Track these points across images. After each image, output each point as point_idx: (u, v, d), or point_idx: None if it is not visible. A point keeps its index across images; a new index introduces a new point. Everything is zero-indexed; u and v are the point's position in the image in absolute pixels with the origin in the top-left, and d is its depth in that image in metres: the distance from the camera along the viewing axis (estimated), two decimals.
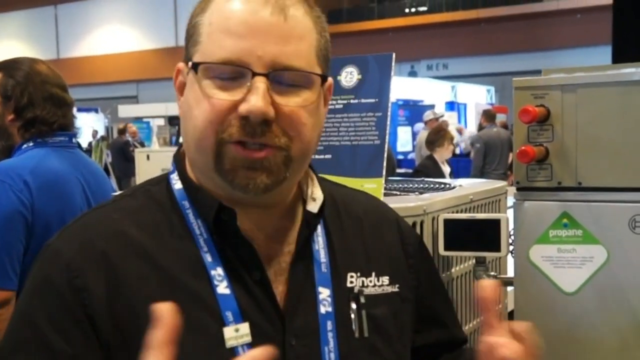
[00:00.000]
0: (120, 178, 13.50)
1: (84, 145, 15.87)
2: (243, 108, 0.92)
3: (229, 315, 0.93)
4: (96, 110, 22.36)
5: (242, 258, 0.97)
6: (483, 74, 21.63)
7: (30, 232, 2.03)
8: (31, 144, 2.17)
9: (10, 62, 2.23)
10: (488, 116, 9.82)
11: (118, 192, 1.11)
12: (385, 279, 1.08)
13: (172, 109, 21.82)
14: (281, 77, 0.94)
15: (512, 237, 1.80)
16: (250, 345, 0.92)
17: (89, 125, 19.20)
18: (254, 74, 0.92)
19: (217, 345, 0.92)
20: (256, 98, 0.91)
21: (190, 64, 0.97)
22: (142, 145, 15.87)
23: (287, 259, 1.02)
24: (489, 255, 1.89)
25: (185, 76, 1.00)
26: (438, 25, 22.48)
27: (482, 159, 9.15)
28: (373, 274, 1.08)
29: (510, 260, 1.95)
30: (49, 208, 2.07)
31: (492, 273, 1.97)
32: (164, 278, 0.94)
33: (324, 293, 1.01)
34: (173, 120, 20.75)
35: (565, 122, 1.67)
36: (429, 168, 6.55)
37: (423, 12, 24.03)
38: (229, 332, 0.93)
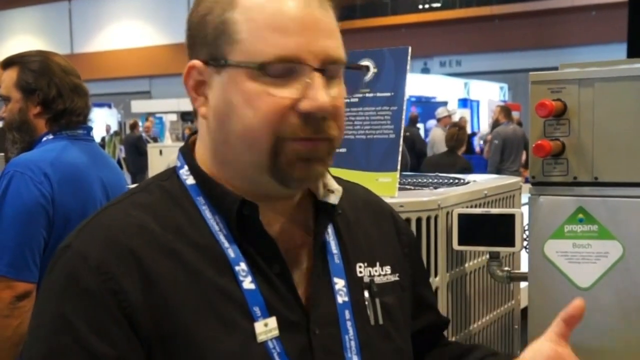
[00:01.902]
0: (135, 173, 13.53)
1: (97, 140, 15.92)
2: (306, 105, 0.92)
3: (256, 310, 0.94)
4: (109, 106, 22.46)
5: (262, 251, 0.97)
6: (496, 71, 21.52)
7: (51, 225, 2.03)
8: (51, 136, 2.17)
9: (23, 55, 2.22)
10: (505, 113, 9.79)
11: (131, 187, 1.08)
12: (388, 269, 1.11)
13: (185, 105, 21.85)
14: (329, 71, 0.95)
15: (527, 232, 1.80)
16: (279, 339, 0.94)
17: (102, 121, 19.29)
18: (313, 70, 0.92)
19: (250, 341, 0.93)
20: (321, 94, 0.92)
21: (226, 61, 0.94)
22: (155, 140, 15.92)
23: (302, 250, 1.02)
24: (503, 250, 1.89)
25: (207, 75, 0.97)
26: (451, 22, 22.39)
27: (500, 155, 9.15)
28: (377, 263, 1.10)
29: (524, 256, 1.94)
30: (69, 201, 2.08)
31: (506, 268, 1.97)
32: (193, 274, 0.93)
33: (339, 283, 1.03)
34: (186, 116, 20.81)
35: (582, 117, 1.66)
36: None
37: (436, 9, 23.93)
38: (259, 327, 0.93)
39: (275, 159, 0.93)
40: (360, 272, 1.07)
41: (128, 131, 15.97)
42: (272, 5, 0.93)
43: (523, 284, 2.19)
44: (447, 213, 1.83)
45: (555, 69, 1.77)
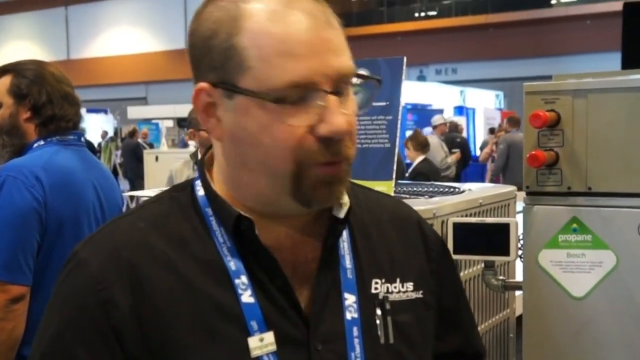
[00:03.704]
0: (134, 179, 13.54)
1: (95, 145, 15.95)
2: (324, 130, 0.90)
3: (253, 324, 0.93)
4: (105, 112, 22.46)
5: (264, 265, 0.96)
6: (492, 79, 21.59)
7: (44, 228, 2.05)
8: (42, 142, 2.19)
9: (17, 64, 2.25)
10: (513, 122, 9.89)
11: (129, 194, 1.08)
12: (410, 285, 1.07)
13: (181, 111, 21.86)
14: (342, 88, 0.94)
15: (521, 242, 1.81)
16: (276, 354, 0.93)
17: (97, 126, 19.29)
18: (326, 93, 0.91)
19: (242, 355, 0.92)
20: (337, 118, 0.90)
21: (237, 89, 0.92)
22: (151, 146, 15.92)
23: (312, 264, 1.01)
24: (497, 259, 1.89)
25: (217, 97, 0.94)
26: (447, 30, 22.47)
27: (505, 160, 9.26)
28: (398, 279, 1.06)
29: (519, 265, 1.95)
30: (62, 205, 2.09)
31: (501, 277, 1.97)
32: (189, 289, 0.93)
33: (350, 299, 1.01)
34: (182, 122, 20.81)
35: (576, 127, 1.67)
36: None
37: (432, 17, 24.01)
38: (253, 342, 0.93)
39: (299, 183, 0.92)
40: (376, 288, 1.04)
41: (124, 137, 15.95)
42: (279, 29, 0.90)
43: (518, 293, 2.20)
44: (443, 222, 1.84)
45: (550, 77, 1.79)
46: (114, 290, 0.92)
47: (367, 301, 1.02)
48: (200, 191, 1.02)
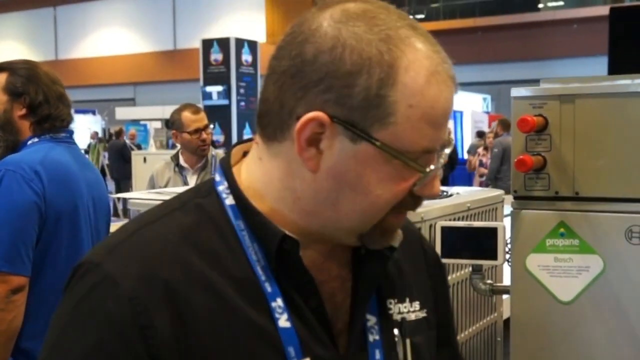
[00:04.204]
0: (120, 180, 13.49)
1: (83, 146, 15.89)
2: (427, 193, 0.91)
3: (291, 350, 0.91)
4: (93, 112, 22.38)
5: (299, 287, 0.93)
6: (479, 82, 21.67)
7: (43, 221, 2.08)
8: (36, 139, 2.23)
9: (11, 63, 2.30)
10: (504, 125, 9.93)
11: (161, 201, 0.99)
12: (417, 305, 1.06)
13: (169, 112, 21.75)
14: None
15: (509, 246, 1.81)
16: None
17: (85, 127, 19.21)
18: (438, 160, 0.91)
19: None
20: (438, 183, 0.92)
21: (371, 138, 0.86)
22: (139, 147, 15.87)
23: (335, 283, 0.98)
24: (485, 263, 1.90)
25: (330, 132, 0.87)
26: (435, 33, 22.09)
27: (499, 164, 9.30)
28: (407, 299, 1.05)
29: (506, 269, 1.96)
30: (60, 198, 2.14)
31: (489, 281, 1.98)
32: (229, 312, 0.89)
33: (371, 320, 0.99)
34: (169, 123, 20.73)
35: (563, 132, 1.68)
36: None
37: (420, 20, 24.06)
38: None
39: (374, 229, 0.92)
40: (390, 308, 1.03)
41: (112, 138, 15.90)
42: (432, 94, 0.87)
43: (505, 297, 2.21)
44: (431, 226, 1.84)
45: (538, 81, 1.80)
46: (154, 314, 0.85)
47: (387, 322, 1.01)
48: (228, 199, 0.95)
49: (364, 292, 0.98)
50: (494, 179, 9.25)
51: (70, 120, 2.32)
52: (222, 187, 0.96)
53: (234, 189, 0.96)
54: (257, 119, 0.95)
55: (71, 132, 2.34)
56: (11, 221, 2.03)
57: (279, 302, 0.91)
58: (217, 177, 0.98)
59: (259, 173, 0.95)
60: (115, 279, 0.87)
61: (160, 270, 0.88)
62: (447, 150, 0.92)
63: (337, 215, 0.91)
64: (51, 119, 2.23)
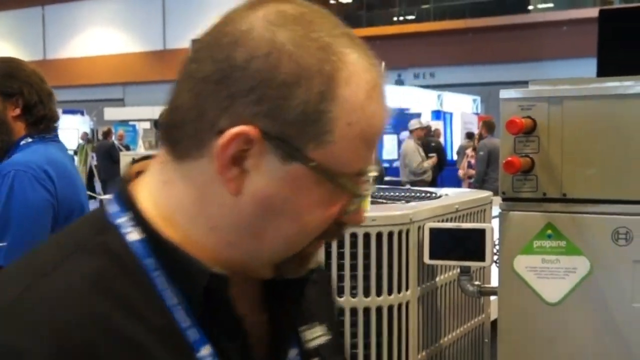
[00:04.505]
0: (107, 180, 13.44)
1: (72, 147, 15.82)
2: (354, 220, 0.83)
3: None
4: (82, 113, 22.25)
5: (226, 329, 0.82)
6: (469, 84, 21.73)
7: (55, 220, 2.09)
8: (29, 139, 2.23)
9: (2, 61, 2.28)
10: (488, 127, 9.95)
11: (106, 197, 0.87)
12: (324, 328, 0.96)
13: (159, 113, 21.67)
14: None
15: (497, 247, 1.81)
16: None
17: (74, 128, 19.12)
18: (368, 184, 0.83)
19: None
20: (363, 210, 0.84)
21: (307, 159, 0.76)
22: (127, 148, 15.81)
23: (252, 318, 0.86)
24: (473, 264, 1.90)
25: (258, 148, 0.75)
26: (426, 34, 22.58)
27: (486, 166, 9.33)
28: (317, 324, 0.95)
29: (494, 270, 1.96)
30: (69, 196, 2.18)
31: (477, 283, 1.98)
32: None
33: (292, 352, 0.90)
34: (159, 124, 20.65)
35: (551, 134, 1.68)
36: None
37: (411, 21, 24.13)
38: None
39: (293, 257, 0.82)
40: (305, 337, 0.93)
41: (101, 138, 15.85)
42: (371, 111, 0.79)
43: (493, 297, 2.21)
44: (419, 227, 1.84)
45: (527, 82, 1.80)
46: None
47: (304, 352, 0.91)
48: (132, 234, 0.80)
49: (286, 324, 0.89)
50: (480, 182, 9.29)
51: (57, 119, 2.33)
52: (123, 220, 0.81)
53: (140, 220, 0.80)
54: (162, 132, 0.81)
55: (56, 129, 2.35)
56: (28, 221, 2.04)
57: (206, 351, 0.80)
58: (113, 208, 0.82)
59: (166, 198, 0.81)
60: (18, 351, 0.70)
61: (78, 332, 0.72)
62: (375, 173, 0.83)
63: (259, 244, 0.80)
64: (47, 119, 2.24)
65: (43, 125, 2.23)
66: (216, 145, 0.75)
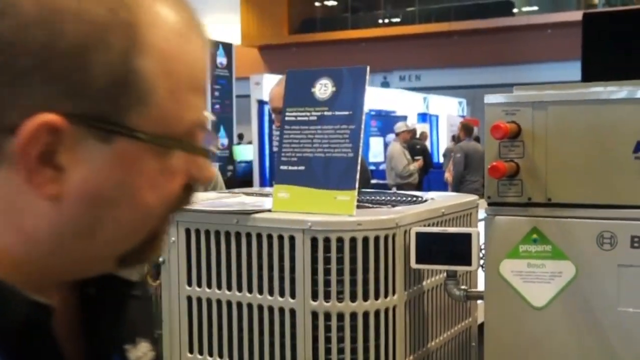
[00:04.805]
0: None
1: None
2: (203, 177, 0.72)
3: None
4: None
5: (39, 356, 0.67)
6: (455, 86, 21.82)
7: None
8: None
9: None
10: (466, 130, 9.99)
11: None
12: (149, 344, 0.86)
13: None
14: None
15: (483, 251, 1.82)
16: None
17: None
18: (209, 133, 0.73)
19: None
20: (210, 163, 0.73)
21: (131, 131, 0.64)
22: None
23: (71, 344, 0.74)
24: (459, 269, 1.90)
25: (68, 138, 0.61)
26: (411, 37, 22.66)
27: (463, 168, 9.39)
28: (141, 340, 0.84)
29: (480, 274, 1.97)
30: None
31: (463, 287, 1.98)
32: None
33: None
34: None
35: (536, 139, 1.69)
36: None
37: (396, 24, 24.21)
38: None
39: (142, 244, 0.70)
40: (130, 356, 0.81)
41: None
42: (190, 53, 0.68)
43: (479, 302, 2.21)
44: (405, 231, 1.84)
45: (512, 85, 1.81)
46: None
47: None
48: None
49: (107, 344, 0.77)
50: (457, 184, 9.36)
51: None
52: None
53: None
54: None
55: None
56: None
57: None
58: None
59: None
60: None
61: None
62: (211, 116, 0.73)
63: (95, 245, 0.68)
64: None
65: None
66: (13, 148, 0.60)
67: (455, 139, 10.87)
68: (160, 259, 1.90)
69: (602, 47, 2.11)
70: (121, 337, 0.80)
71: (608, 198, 1.64)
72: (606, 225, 1.64)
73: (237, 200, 2.12)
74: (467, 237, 1.82)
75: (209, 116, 0.72)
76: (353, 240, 1.70)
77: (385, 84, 22.88)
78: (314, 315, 1.70)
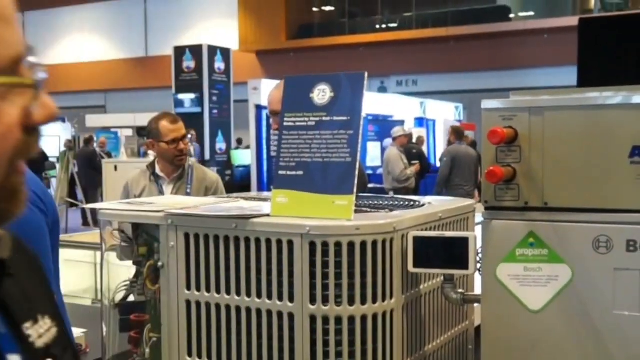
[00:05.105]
0: (87, 189, 13.36)
1: (55, 154, 15.69)
2: (44, 114, 0.68)
3: None
4: (63, 120, 22.12)
5: None
6: (452, 91, 21.85)
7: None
8: None
9: None
10: (457, 134, 10.00)
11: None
12: (49, 320, 0.83)
13: (141, 120, 21.64)
14: None
15: (480, 255, 1.83)
16: None
17: (55, 135, 18.99)
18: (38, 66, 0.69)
19: None
20: (49, 97, 0.70)
21: None
22: (109, 155, 15.72)
23: None
24: (457, 272, 1.92)
25: None
26: (408, 42, 22.68)
27: (448, 172, 9.41)
28: (39, 316, 0.81)
29: (477, 278, 1.98)
30: (52, 212, 2.13)
31: (460, 290, 1.99)
32: None
33: (13, 359, 0.74)
34: (142, 131, 20.61)
35: (533, 144, 1.70)
36: None
37: (393, 29, 24.23)
38: None
39: (1, 200, 0.68)
40: (30, 335, 0.78)
41: (82, 145, 15.75)
42: None
43: (477, 305, 2.22)
44: (403, 236, 1.85)
45: (509, 90, 1.82)
46: None
47: (32, 355, 0.77)
48: None
49: None
50: (442, 187, 9.39)
51: None
52: None
53: None
54: None
55: None
56: (29, 243, 2.01)
57: None
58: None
59: None
60: None
61: None
62: (34, 59, 0.68)
63: None
64: None
65: None
66: None
67: (447, 142, 10.92)
68: (160, 264, 1.91)
69: (598, 52, 2.12)
70: (12, 316, 0.76)
71: (604, 202, 1.66)
72: (602, 229, 1.66)
73: (236, 204, 2.13)
74: (464, 241, 1.83)
75: (31, 52, 0.68)
76: (351, 245, 1.71)
77: (383, 89, 22.90)
78: (312, 319, 1.71)
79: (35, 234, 2.02)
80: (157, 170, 3.82)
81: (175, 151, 3.72)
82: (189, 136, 4.16)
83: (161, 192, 3.73)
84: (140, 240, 1.99)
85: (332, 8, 25.78)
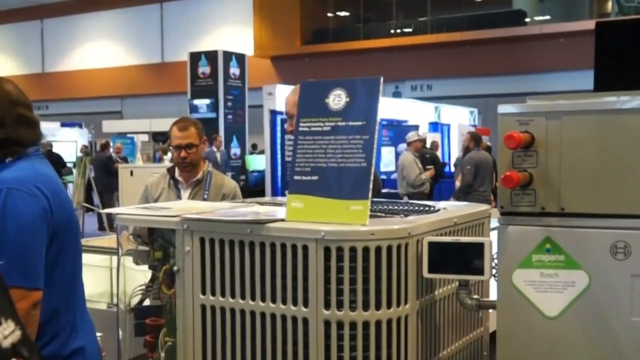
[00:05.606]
0: (103, 193, 13.44)
1: (71, 159, 15.79)
2: None
3: None
4: (80, 125, 22.28)
5: None
6: (466, 96, 21.77)
7: (51, 235, 2.08)
8: (15, 156, 2.18)
9: None
10: (475, 140, 9.97)
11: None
12: (13, 323, 0.86)
13: (156, 125, 21.75)
14: None
15: (496, 261, 1.82)
16: None
17: (72, 140, 19.12)
18: None
19: None
20: None
21: None
22: (125, 160, 15.80)
23: None
24: (472, 278, 1.90)
25: None
26: (423, 47, 22.64)
27: (472, 179, 9.40)
28: (2, 319, 0.85)
29: (493, 284, 1.97)
30: (62, 212, 2.14)
31: (475, 296, 1.98)
32: None
33: None
34: (157, 136, 20.70)
35: (549, 149, 1.69)
36: None
37: (408, 34, 24.19)
38: None
39: None
40: None
41: (98, 150, 15.85)
42: None
43: (492, 311, 2.21)
44: (418, 241, 1.85)
45: (524, 94, 1.81)
46: None
47: (0, 356, 0.81)
48: None
49: None
50: (464, 194, 9.36)
51: (34, 139, 2.23)
52: None
53: None
54: None
55: (39, 145, 2.29)
56: (25, 238, 2.03)
57: None
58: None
59: None
60: None
61: None
62: None
63: None
64: (9, 142, 2.14)
65: (8, 150, 2.13)
66: None
67: (464, 149, 10.85)
68: (175, 268, 1.91)
69: (615, 56, 2.11)
70: None
71: (622, 208, 1.64)
72: (620, 235, 1.64)
73: (251, 210, 2.13)
74: (479, 247, 1.82)
75: None
76: (366, 250, 1.71)
77: (397, 94, 22.87)
78: (327, 324, 1.70)
79: (26, 223, 2.04)
80: (176, 174, 3.88)
81: (178, 157, 3.81)
82: (210, 145, 4.21)
83: (179, 197, 3.79)
84: (156, 244, 2.00)
85: (347, 13, 25.80)
